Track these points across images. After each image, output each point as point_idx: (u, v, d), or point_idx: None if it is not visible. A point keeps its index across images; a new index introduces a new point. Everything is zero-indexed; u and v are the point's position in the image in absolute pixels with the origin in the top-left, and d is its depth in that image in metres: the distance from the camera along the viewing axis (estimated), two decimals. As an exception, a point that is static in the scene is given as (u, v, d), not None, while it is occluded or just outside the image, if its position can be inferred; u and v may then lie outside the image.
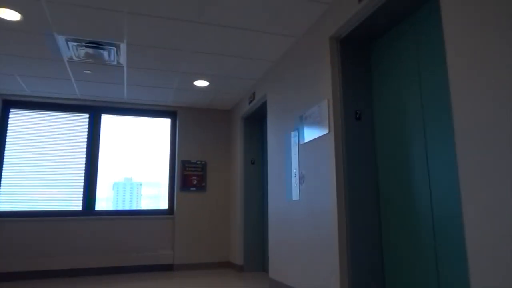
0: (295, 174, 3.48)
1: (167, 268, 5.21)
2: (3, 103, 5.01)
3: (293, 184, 3.50)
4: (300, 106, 3.46)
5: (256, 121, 5.37)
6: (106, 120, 5.41)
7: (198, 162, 5.58)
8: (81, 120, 5.29)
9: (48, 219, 4.89)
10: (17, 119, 5.05)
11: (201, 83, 4.67)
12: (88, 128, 5.30)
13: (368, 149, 2.88)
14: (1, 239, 4.71)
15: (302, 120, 3.39)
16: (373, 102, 2.95)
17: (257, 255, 5.04)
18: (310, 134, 3.22)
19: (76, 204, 5.09)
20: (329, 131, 2.91)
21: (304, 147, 3.33)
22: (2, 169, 4.89)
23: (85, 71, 4.18)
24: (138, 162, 5.42)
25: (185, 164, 5.51)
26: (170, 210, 5.44)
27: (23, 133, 5.05)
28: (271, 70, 4.21)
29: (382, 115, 2.83)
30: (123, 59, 3.92)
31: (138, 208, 5.33)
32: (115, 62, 3.96)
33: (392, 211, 2.66)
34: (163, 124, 5.66)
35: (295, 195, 3.44)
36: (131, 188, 5.43)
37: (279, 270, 3.73)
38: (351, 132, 2.88)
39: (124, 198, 5.35)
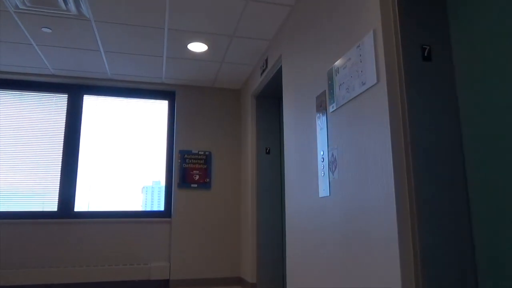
0: (322, 159, 2.34)
1: (162, 284, 4.16)
2: (-38, 81, 4.12)
3: (320, 174, 2.36)
4: (329, 56, 2.32)
5: (271, 100, 4.25)
6: (90, 103, 4.44)
7: (200, 153, 4.51)
8: (59, 103, 4.34)
9: (13, 222, 3.94)
10: (-20, 101, 4.15)
11: (198, 47, 3.60)
12: (67, 112, 4.34)
13: (446, 106, 1.71)
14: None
15: (332, 76, 2.25)
16: (452, 32, 1.77)
17: (274, 271, 3.90)
18: (345, 92, 2.07)
19: (50, 204, 4.13)
20: (378, 80, 1.76)
21: (336, 115, 2.19)
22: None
23: (43, 29, 3.20)
24: (133, 154, 4.41)
25: (184, 155, 4.45)
26: (167, 212, 4.40)
27: (-13, 118, 4.14)
28: (287, 22, 3.09)
29: (468, 52, 1.65)
30: (85, 8, 2.91)
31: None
32: (76, 12, 2.95)
33: (498, 206, 1.47)
34: (160, 108, 4.64)
35: (323, 190, 2.30)
36: (159, 191, 4.41)
37: (301, 298, 2.59)
38: (415, 79, 1.71)
39: (152, 202, 4.35)
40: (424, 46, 1.75)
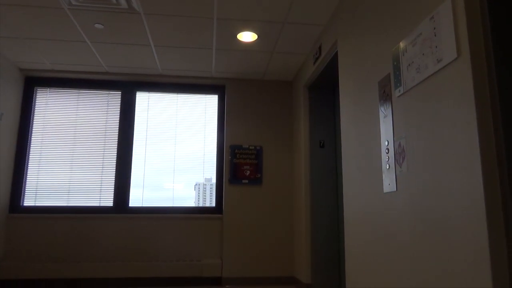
0: (387, 150, 2.09)
1: (214, 281, 4.10)
2: (25, 81, 4.33)
3: (384, 167, 2.11)
4: (393, 35, 2.06)
5: (325, 90, 4.01)
6: (142, 99, 4.48)
7: (251, 148, 4.38)
8: (112, 100, 4.42)
9: (73, 217, 4.07)
10: (42, 101, 4.34)
11: (247, 37, 3.46)
12: (121, 109, 4.42)
13: (551, 83, 1.40)
14: (16, 239, 3.99)
15: (397, 57, 1.99)
16: (555, -9, 1.45)
17: (330, 272, 3.68)
18: (415, 73, 1.81)
19: (107, 199, 4.23)
20: (459, 54, 1.49)
21: (403, 100, 1.93)
22: (28, 160, 4.20)
23: (96, 25, 3.23)
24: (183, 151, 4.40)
25: (235, 150, 4.35)
26: (218, 208, 4.33)
27: (49, 116, 4.31)
28: (343, 2, 2.85)
29: None
30: (135, 1, 2.87)
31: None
32: (126, 6, 2.92)
33: None
34: (210, 103, 4.57)
35: (389, 185, 2.05)
36: (211, 188, 4.38)
37: (363, 304, 2.36)
38: (510, 53, 1.42)
39: (204, 199, 4.35)
40: (517, 11, 1.45)
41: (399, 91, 1.97)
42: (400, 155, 1.94)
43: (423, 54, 1.75)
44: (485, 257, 1.31)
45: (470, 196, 1.40)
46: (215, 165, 4.42)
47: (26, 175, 4.17)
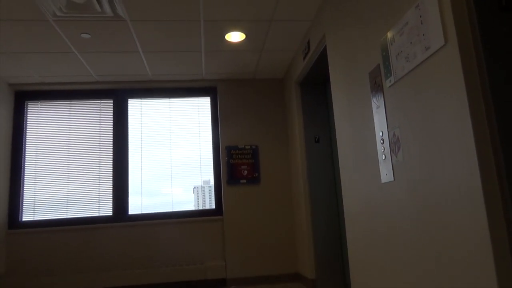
0: (382, 141, 2.10)
1: (219, 283, 4.09)
2: (15, 96, 4.29)
3: (381, 157, 2.12)
4: (380, 25, 2.07)
5: (316, 85, 4.02)
6: (135, 106, 4.46)
7: (247, 147, 4.38)
8: (105, 108, 4.40)
9: (73, 229, 4.05)
10: (33, 114, 4.31)
11: (236, 37, 3.46)
12: (114, 117, 4.40)
13: (539, 63, 1.41)
14: (17, 255, 3.96)
15: (386, 47, 2.00)
16: (536, -28, 1.46)
17: (334, 265, 3.69)
18: (405, 62, 1.82)
19: (106, 209, 4.20)
20: (447, 40, 1.50)
21: (395, 90, 1.94)
22: (23, 175, 4.17)
23: (82, 35, 3.21)
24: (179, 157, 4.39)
25: (231, 151, 4.34)
26: (218, 210, 4.32)
27: (42, 129, 4.28)
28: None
29: None
30: (120, 8, 2.86)
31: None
32: (111, 14, 2.91)
33: None
34: (203, 105, 4.56)
35: (386, 175, 2.06)
36: (210, 190, 4.37)
37: (367, 286, 2.37)
38: (496, 36, 1.43)
39: (204, 201, 4.33)
40: (501, -6, 1.46)
41: (390, 81, 1.97)
42: (395, 144, 1.95)
43: (411, 42, 1.75)
44: (486, 241, 1.32)
45: (467, 182, 1.40)
46: (212, 167, 4.41)
47: (23, 190, 4.14)
